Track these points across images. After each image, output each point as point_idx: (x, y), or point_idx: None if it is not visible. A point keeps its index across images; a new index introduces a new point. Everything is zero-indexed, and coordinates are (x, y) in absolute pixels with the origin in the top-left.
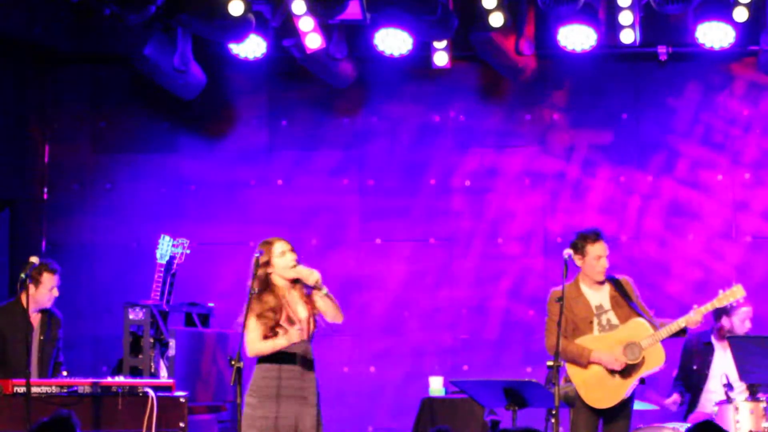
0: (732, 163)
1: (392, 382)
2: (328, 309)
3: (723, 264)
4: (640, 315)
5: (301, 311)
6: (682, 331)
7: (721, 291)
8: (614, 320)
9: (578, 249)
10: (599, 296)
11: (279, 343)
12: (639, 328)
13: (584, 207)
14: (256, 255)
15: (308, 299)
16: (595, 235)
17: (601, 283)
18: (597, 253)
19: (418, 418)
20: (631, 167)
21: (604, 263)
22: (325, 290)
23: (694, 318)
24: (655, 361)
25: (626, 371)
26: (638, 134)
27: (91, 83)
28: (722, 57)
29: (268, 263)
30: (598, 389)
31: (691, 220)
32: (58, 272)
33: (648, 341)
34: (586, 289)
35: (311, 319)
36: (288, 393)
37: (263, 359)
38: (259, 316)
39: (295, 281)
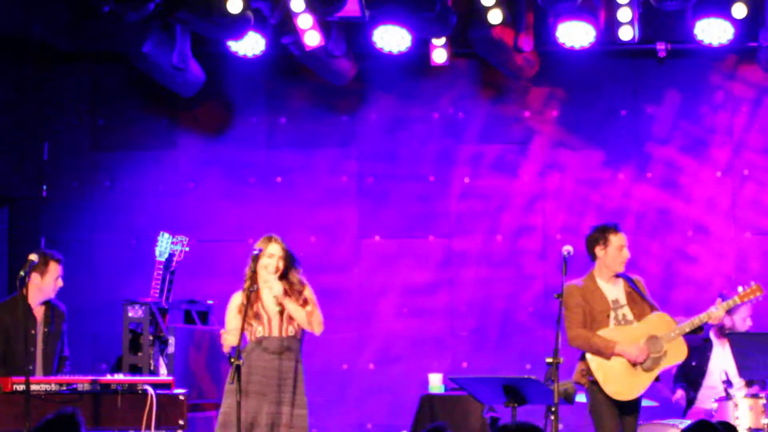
0: (732, 158)
1: (391, 380)
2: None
3: (723, 262)
4: (657, 310)
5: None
6: (700, 328)
7: (741, 288)
8: (629, 316)
9: (599, 241)
10: (615, 291)
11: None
12: (661, 321)
13: (584, 204)
14: (254, 252)
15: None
16: (616, 226)
17: (616, 278)
18: (620, 242)
19: (417, 415)
20: (630, 164)
21: (627, 253)
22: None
23: (716, 313)
24: (677, 355)
25: (648, 365)
26: (637, 131)
27: (89, 81)
28: (721, 53)
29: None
30: (619, 381)
31: (692, 217)
32: (62, 262)
33: (671, 335)
34: (602, 283)
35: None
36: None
37: None
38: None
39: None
